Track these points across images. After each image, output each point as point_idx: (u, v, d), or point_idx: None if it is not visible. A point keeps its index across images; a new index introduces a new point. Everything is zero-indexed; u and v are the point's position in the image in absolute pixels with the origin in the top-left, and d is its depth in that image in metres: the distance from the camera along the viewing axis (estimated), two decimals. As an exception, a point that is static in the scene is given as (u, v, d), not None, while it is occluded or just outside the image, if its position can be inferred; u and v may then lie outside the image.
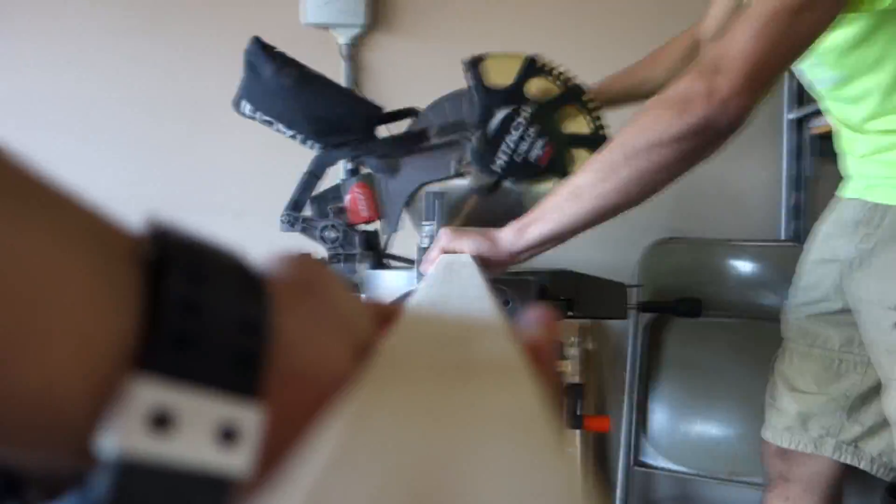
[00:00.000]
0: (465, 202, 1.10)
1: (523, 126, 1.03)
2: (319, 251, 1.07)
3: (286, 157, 1.27)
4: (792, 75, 1.75)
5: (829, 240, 1.10)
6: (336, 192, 1.07)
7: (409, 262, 1.16)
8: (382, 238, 1.12)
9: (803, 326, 1.13)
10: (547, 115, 1.05)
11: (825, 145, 1.80)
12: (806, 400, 1.10)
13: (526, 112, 1.03)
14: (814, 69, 0.99)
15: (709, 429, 1.66)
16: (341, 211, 1.06)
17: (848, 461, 1.08)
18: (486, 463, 0.14)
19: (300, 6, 1.85)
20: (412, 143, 1.05)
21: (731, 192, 1.89)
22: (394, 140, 1.06)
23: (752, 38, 0.75)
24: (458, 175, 1.07)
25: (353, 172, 1.09)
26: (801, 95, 1.77)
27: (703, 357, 1.70)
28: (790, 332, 1.16)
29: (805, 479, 1.11)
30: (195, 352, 0.18)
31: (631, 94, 1.27)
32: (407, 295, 0.92)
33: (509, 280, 0.95)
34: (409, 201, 1.07)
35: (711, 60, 0.77)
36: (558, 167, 1.06)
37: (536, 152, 1.04)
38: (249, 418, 0.18)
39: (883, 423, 1.04)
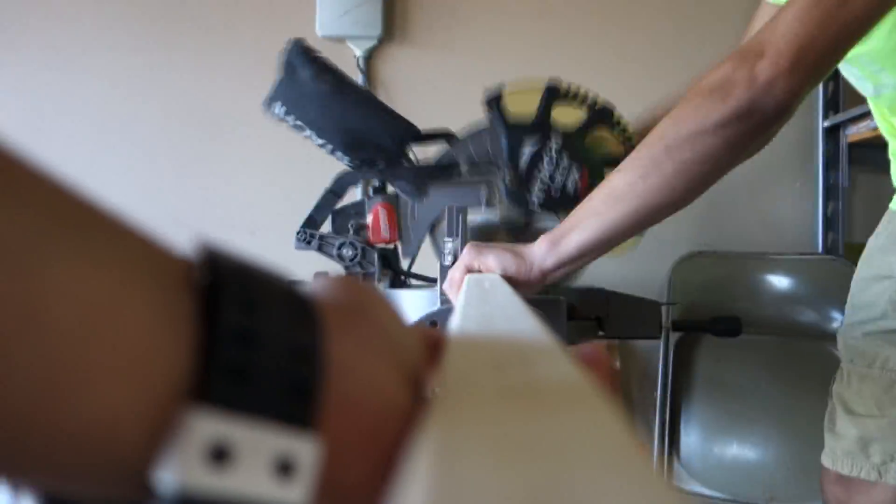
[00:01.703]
0: (496, 236, 1.04)
1: (555, 157, 0.98)
2: (335, 269, 1.01)
3: (303, 173, 1.22)
4: (828, 80, 1.69)
5: (883, 255, 1.03)
6: (359, 208, 1.01)
7: (430, 280, 1.11)
8: (403, 261, 1.06)
9: (860, 346, 1.05)
10: (577, 141, 0.99)
11: (861, 153, 1.74)
12: (866, 424, 1.02)
13: (556, 143, 0.98)
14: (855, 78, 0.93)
15: (744, 452, 1.58)
16: (361, 228, 1.00)
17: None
18: (592, 493, 0.13)
19: (316, 18, 1.81)
20: (441, 174, 1.00)
21: (762, 203, 1.82)
22: (422, 169, 1.00)
23: (796, 20, 0.69)
24: (489, 205, 1.01)
25: (379, 190, 1.03)
26: (837, 102, 1.70)
27: (736, 376, 1.62)
28: (847, 352, 1.08)
29: (866, 509, 1.03)
30: (251, 383, 0.17)
31: None
32: (431, 315, 0.86)
33: (536, 299, 0.89)
34: (434, 227, 1.01)
35: (753, 45, 0.71)
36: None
37: (573, 181, 0.98)
38: (306, 450, 0.18)
39: None
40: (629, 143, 1.00)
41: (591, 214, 0.76)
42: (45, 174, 0.17)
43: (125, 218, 0.18)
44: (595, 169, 0.99)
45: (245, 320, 0.18)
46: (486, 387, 0.21)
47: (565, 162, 0.98)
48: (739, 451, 1.58)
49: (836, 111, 1.71)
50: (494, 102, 0.99)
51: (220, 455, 0.16)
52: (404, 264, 1.07)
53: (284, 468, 0.17)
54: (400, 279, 1.08)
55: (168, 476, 0.16)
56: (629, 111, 1.03)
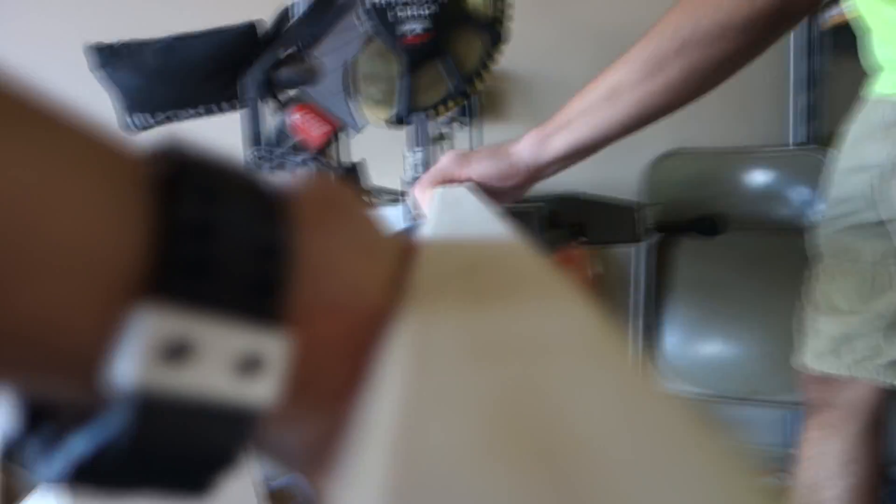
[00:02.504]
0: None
1: None
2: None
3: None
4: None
5: (857, 145, 0.98)
6: (282, 134, 0.93)
7: (397, 194, 1.05)
8: (350, 136, 0.98)
9: (837, 241, 1.02)
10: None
11: (841, 38, 1.67)
12: (844, 321, 1.00)
13: None
14: None
15: (726, 349, 1.58)
16: (298, 148, 0.93)
17: (891, 383, 0.99)
18: (566, 386, 0.13)
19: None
20: (325, 8, 0.90)
21: (733, 95, 1.76)
22: (307, 18, 0.91)
23: None
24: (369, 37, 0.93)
25: (281, 105, 0.94)
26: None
27: (715, 275, 1.61)
28: (828, 247, 1.05)
29: (847, 404, 1.03)
30: (211, 277, 0.16)
31: None
32: (405, 230, 0.81)
33: (512, 208, 0.84)
34: (349, 88, 0.93)
35: None
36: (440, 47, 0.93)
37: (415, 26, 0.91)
38: (273, 347, 0.17)
39: None
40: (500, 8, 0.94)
41: (583, 112, 0.70)
42: None
43: (75, 111, 0.17)
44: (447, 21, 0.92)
45: (205, 212, 0.17)
46: (458, 289, 0.21)
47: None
48: (721, 347, 1.58)
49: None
50: None
51: (178, 351, 0.16)
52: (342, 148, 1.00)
53: (249, 365, 0.16)
54: (365, 195, 1.02)
55: (123, 372, 0.15)
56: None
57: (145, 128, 0.92)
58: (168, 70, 0.87)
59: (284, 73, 0.91)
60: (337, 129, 0.93)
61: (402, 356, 0.15)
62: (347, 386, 0.19)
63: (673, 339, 1.62)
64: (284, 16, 0.94)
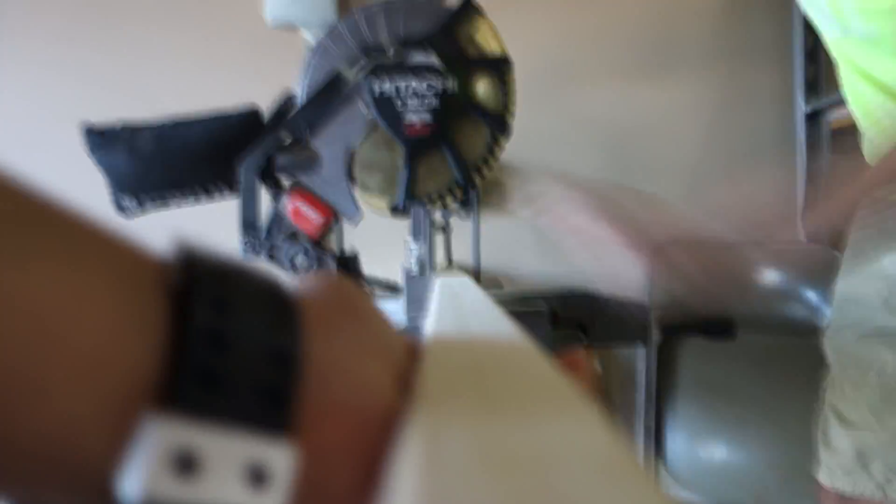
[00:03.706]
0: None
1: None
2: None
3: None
4: (808, 63, 1.62)
5: (873, 251, 0.94)
6: (278, 221, 0.89)
7: (392, 288, 1.00)
8: (348, 229, 0.94)
9: (852, 350, 0.97)
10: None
11: (843, 140, 1.67)
12: (864, 437, 0.94)
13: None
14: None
15: (734, 455, 1.50)
16: (294, 235, 0.88)
17: (918, 505, 0.92)
18: (583, 500, 0.13)
19: (264, 4, 1.68)
20: (330, 95, 0.87)
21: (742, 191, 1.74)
22: (310, 104, 0.88)
23: None
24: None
25: (277, 195, 0.90)
26: (818, 86, 1.63)
27: (723, 377, 1.54)
28: (838, 358, 1.00)
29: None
30: (221, 388, 0.16)
31: None
32: (408, 327, 0.77)
33: (517, 311, 0.80)
34: (351, 175, 0.89)
35: None
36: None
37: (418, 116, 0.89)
38: (280, 458, 0.17)
39: None
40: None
41: None
42: None
43: (90, 218, 0.17)
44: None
45: (217, 322, 0.17)
46: (467, 393, 0.20)
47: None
48: (728, 454, 1.50)
49: (817, 96, 1.64)
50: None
51: (186, 463, 0.15)
52: (349, 240, 0.95)
53: (257, 476, 0.16)
54: (363, 286, 0.97)
55: (132, 484, 0.15)
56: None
57: (137, 211, 0.88)
58: (165, 154, 0.84)
59: (284, 159, 0.87)
60: (334, 218, 0.89)
61: (412, 464, 0.15)
62: (356, 490, 0.19)
63: (676, 444, 1.54)
64: (288, 101, 0.92)
